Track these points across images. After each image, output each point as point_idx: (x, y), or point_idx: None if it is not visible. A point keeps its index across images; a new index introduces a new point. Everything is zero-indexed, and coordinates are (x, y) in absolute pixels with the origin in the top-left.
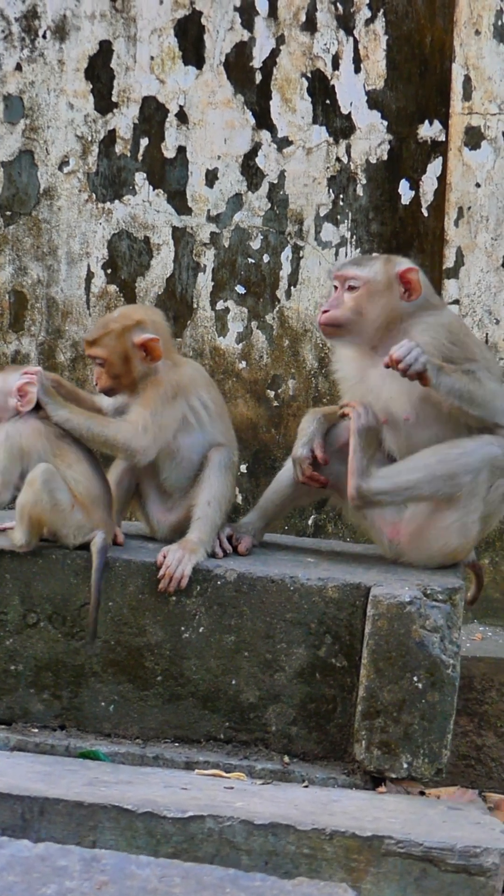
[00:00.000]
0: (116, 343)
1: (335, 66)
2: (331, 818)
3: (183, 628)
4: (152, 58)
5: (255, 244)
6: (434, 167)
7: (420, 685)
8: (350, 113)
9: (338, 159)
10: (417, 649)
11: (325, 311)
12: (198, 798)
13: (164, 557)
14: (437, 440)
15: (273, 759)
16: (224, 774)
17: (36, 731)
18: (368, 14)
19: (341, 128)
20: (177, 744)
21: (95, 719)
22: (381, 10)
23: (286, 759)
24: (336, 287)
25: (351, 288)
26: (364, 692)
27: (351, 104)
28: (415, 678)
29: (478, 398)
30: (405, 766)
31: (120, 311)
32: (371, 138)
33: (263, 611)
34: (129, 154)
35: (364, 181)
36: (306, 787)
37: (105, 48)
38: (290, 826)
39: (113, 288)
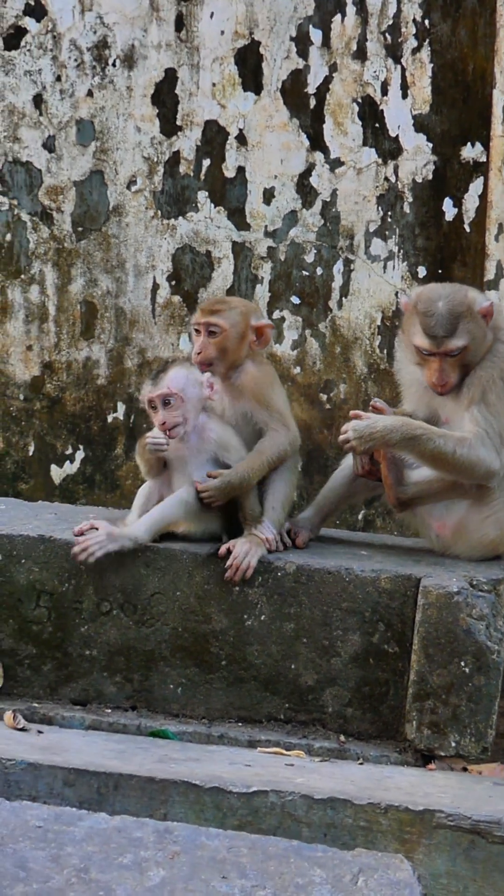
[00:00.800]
0: (239, 319)
1: (384, 92)
2: (385, 793)
3: (246, 616)
4: (214, 84)
5: (309, 258)
6: (476, 186)
7: (467, 670)
8: (398, 136)
9: (386, 179)
10: (464, 636)
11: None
12: (260, 774)
13: (229, 550)
14: None
15: (330, 738)
16: (284, 752)
17: (109, 711)
18: (415, 44)
19: (389, 149)
20: (240, 724)
21: (164, 701)
22: (427, 40)
23: (342, 738)
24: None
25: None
26: (415, 676)
27: (398, 127)
28: (462, 663)
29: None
30: (453, 744)
31: (230, 297)
32: (417, 159)
33: (320, 600)
34: (192, 174)
35: (410, 199)
36: (361, 764)
37: (170, 75)
38: (348, 800)
39: (177, 298)
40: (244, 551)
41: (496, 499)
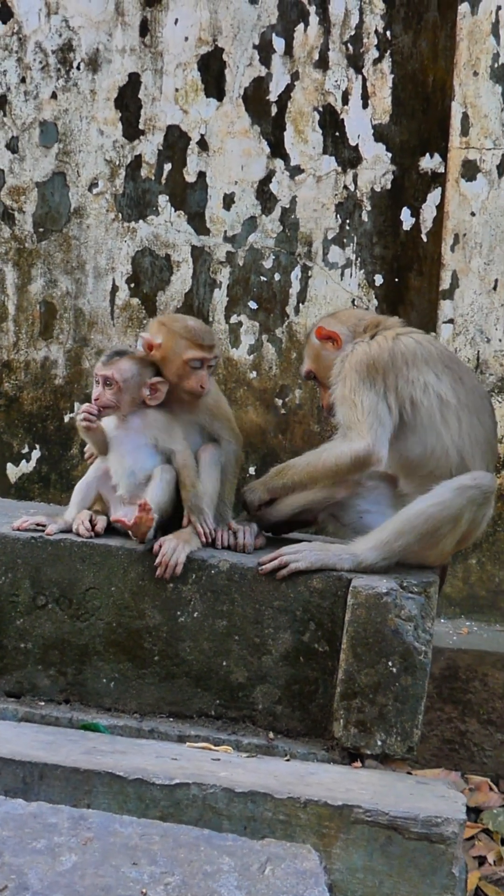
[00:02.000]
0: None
1: (345, 101)
2: (306, 788)
3: (179, 613)
4: (177, 90)
5: (268, 264)
6: (433, 196)
7: (394, 669)
8: (357, 145)
9: (345, 187)
10: (393, 636)
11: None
12: (185, 767)
13: (160, 547)
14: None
15: (259, 734)
16: (213, 747)
17: (42, 704)
18: (376, 54)
19: (349, 158)
20: (171, 719)
21: (97, 694)
22: (388, 51)
23: (271, 734)
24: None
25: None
26: (343, 675)
27: (358, 137)
28: (389, 663)
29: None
30: (379, 743)
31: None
32: (376, 169)
33: (253, 598)
34: (153, 178)
35: (369, 208)
36: (288, 760)
37: (133, 80)
38: (268, 794)
39: (135, 301)
40: (171, 548)
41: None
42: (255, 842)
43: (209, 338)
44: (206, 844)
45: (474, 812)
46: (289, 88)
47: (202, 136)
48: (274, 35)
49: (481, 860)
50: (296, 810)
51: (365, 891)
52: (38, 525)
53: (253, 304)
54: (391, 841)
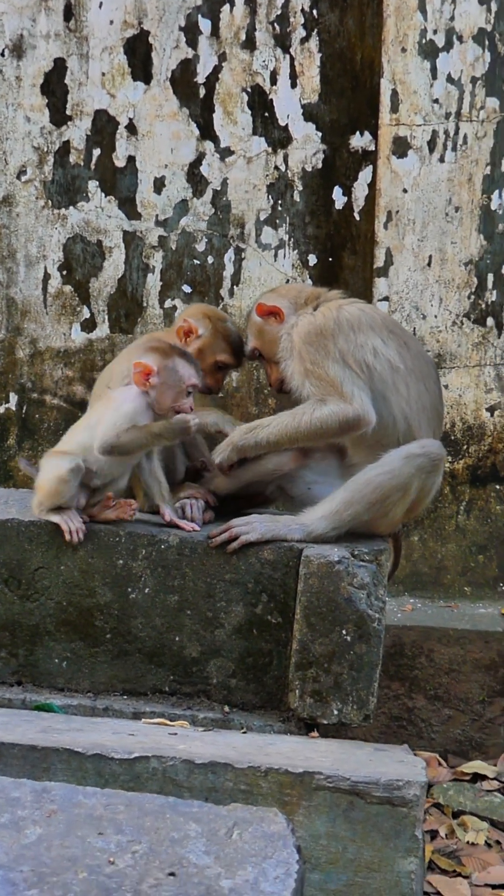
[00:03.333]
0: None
1: (273, 81)
2: (266, 758)
3: (130, 589)
4: (103, 74)
5: (200, 247)
6: (365, 175)
7: (349, 638)
8: (287, 125)
9: (276, 168)
10: (346, 605)
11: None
12: (143, 742)
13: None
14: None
15: (214, 709)
16: (168, 723)
17: None
18: (303, 33)
19: (279, 139)
20: (125, 696)
21: (50, 675)
22: (315, 30)
23: (226, 708)
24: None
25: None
26: (297, 645)
27: (288, 117)
28: (343, 632)
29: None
30: (335, 712)
31: None
32: (307, 148)
33: (204, 572)
34: (82, 163)
35: (300, 188)
36: (245, 733)
37: (59, 65)
38: (228, 764)
39: (68, 288)
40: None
41: (396, 509)
42: (221, 807)
43: (242, 353)
44: (171, 812)
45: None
46: (216, 70)
47: (130, 120)
48: (200, 16)
49: (433, 834)
50: (257, 779)
51: (329, 857)
52: None
53: (187, 288)
54: (353, 806)
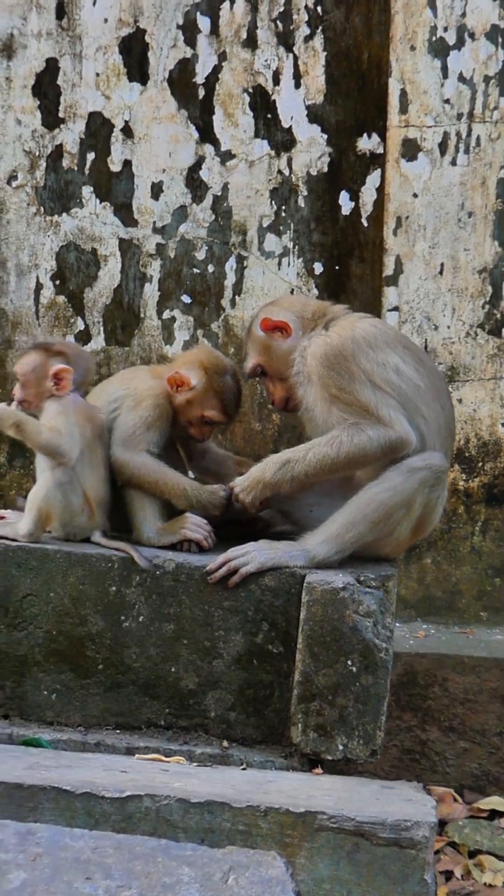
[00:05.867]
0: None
1: (276, 81)
2: (266, 796)
3: (123, 617)
4: (98, 74)
5: (200, 255)
6: (373, 178)
7: (354, 669)
8: (291, 127)
9: (279, 172)
10: (351, 634)
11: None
12: (136, 779)
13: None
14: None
15: (212, 743)
16: (164, 759)
17: None
18: (307, 31)
19: (282, 141)
20: (118, 730)
21: (38, 708)
22: (320, 28)
23: (225, 743)
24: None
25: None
26: (300, 677)
27: (291, 118)
28: (349, 662)
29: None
30: (341, 747)
31: None
32: (311, 151)
33: (201, 599)
34: (76, 168)
35: (305, 193)
36: (244, 769)
37: (51, 65)
38: (226, 804)
39: (61, 299)
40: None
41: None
42: (216, 850)
43: (235, 410)
44: (163, 855)
45: (439, 825)
46: (216, 70)
47: (126, 122)
48: (199, 14)
49: (448, 875)
50: (256, 819)
51: None
52: None
53: (186, 298)
54: (358, 848)
